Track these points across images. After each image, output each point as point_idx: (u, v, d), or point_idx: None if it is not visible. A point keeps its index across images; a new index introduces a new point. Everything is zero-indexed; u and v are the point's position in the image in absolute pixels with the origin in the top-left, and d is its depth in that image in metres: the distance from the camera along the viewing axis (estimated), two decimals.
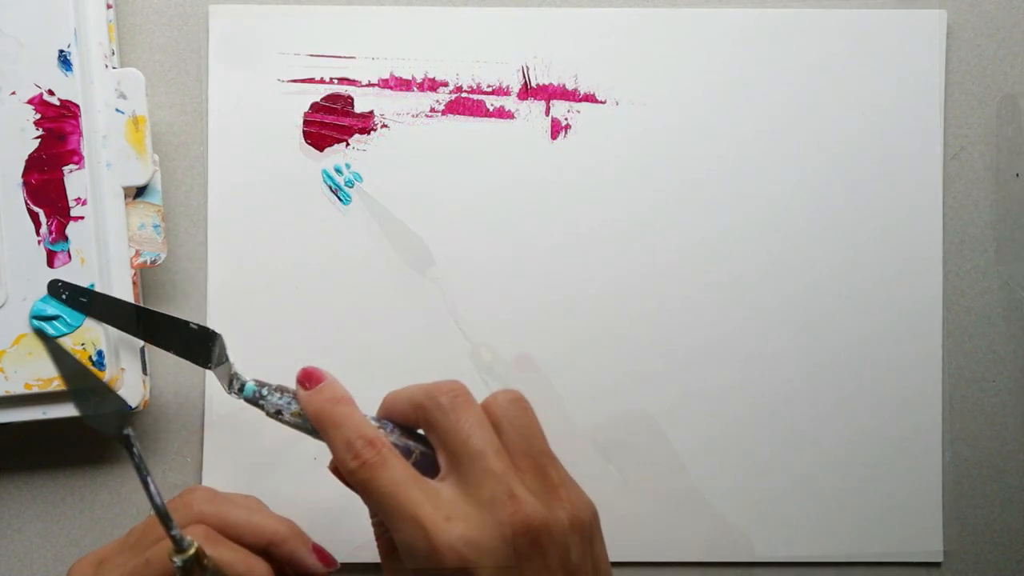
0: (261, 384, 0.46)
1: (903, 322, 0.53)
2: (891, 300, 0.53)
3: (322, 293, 0.53)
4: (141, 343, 0.50)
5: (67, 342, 0.48)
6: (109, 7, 0.50)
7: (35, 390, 0.48)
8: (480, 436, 0.41)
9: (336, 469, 0.43)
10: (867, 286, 0.53)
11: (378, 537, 0.44)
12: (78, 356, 0.48)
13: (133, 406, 0.50)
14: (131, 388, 0.50)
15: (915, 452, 0.53)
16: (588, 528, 0.41)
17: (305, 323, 0.53)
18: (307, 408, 0.44)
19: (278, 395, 0.45)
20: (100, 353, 0.48)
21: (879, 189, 0.53)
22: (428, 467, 0.42)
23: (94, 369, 0.48)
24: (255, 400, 0.46)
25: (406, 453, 0.43)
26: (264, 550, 0.46)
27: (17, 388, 0.48)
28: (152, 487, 0.41)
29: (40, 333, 0.47)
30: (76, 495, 0.53)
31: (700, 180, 0.53)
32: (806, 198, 0.53)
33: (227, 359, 0.47)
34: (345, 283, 0.53)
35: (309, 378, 0.44)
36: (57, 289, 0.48)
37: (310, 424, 0.44)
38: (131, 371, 0.50)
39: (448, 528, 0.39)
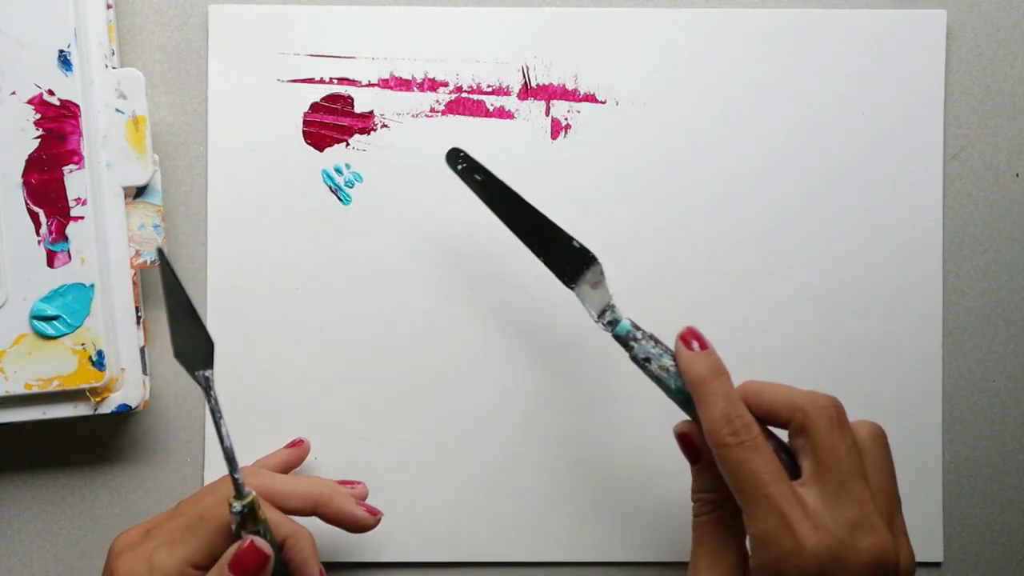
0: (636, 327, 0.46)
1: (903, 322, 0.53)
2: (891, 300, 0.53)
3: (322, 293, 0.53)
4: (141, 343, 0.50)
5: (67, 342, 0.48)
6: (109, 7, 0.50)
7: (35, 390, 0.48)
8: (855, 459, 0.42)
9: (683, 435, 0.45)
10: (867, 286, 0.53)
11: (700, 513, 0.45)
12: (78, 356, 0.48)
13: (133, 406, 0.50)
14: (131, 388, 0.50)
15: (915, 452, 0.53)
16: None
17: (305, 323, 0.53)
18: (689, 368, 0.44)
19: (651, 343, 0.45)
20: (100, 353, 0.48)
21: (879, 189, 0.53)
22: None
23: (94, 369, 0.48)
24: (626, 340, 0.46)
25: None
26: (312, 511, 0.47)
27: (17, 388, 0.48)
28: (223, 429, 0.42)
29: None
30: (76, 495, 0.53)
31: (700, 180, 0.53)
32: (806, 198, 0.53)
33: (604, 288, 0.47)
34: (345, 283, 0.53)
35: (695, 338, 0.45)
36: (457, 158, 0.48)
37: (675, 383, 0.45)
38: (131, 371, 0.50)
39: (816, 538, 0.40)
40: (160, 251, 0.41)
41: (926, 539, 0.53)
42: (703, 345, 0.44)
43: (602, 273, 0.47)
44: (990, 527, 0.54)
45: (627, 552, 0.53)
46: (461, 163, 0.48)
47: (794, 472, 0.42)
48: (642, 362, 0.45)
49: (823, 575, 0.39)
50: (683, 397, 0.45)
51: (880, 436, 0.44)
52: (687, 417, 0.45)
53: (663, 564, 0.53)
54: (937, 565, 0.53)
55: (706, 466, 0.44)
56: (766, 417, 0.43)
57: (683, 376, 0.44)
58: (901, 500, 0.43)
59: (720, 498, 0.44)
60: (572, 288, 0.47)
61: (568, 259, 0.47)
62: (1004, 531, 0.54)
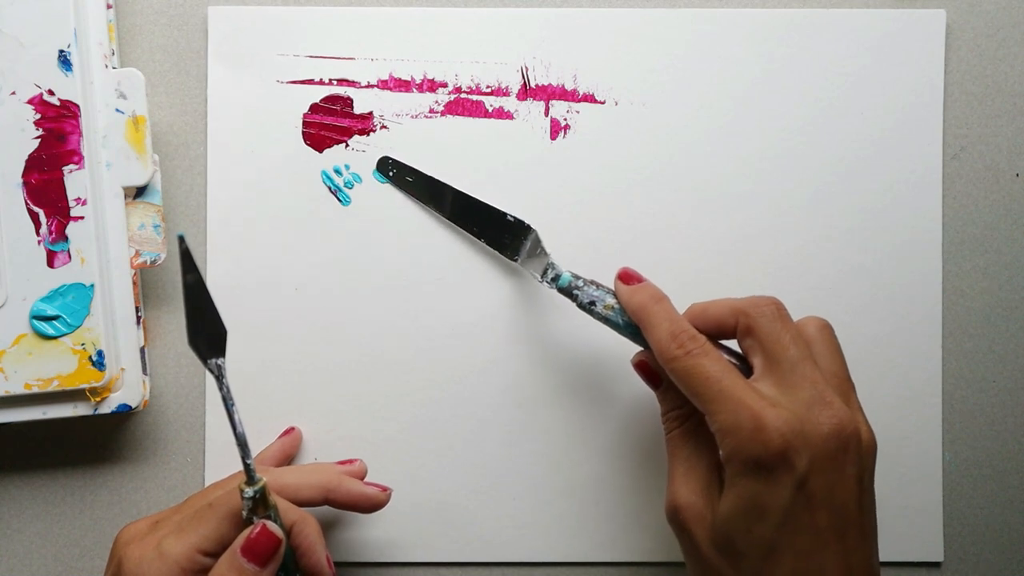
0: (577, 277, 0.49)
1: (903, 322, 0.53)
2: (891, 300, 0.53)
3: (321, 293, 0.53)
4: (141, 343, 0.50)
5: (67, 342, 0.48)
6: (109, 7, 0.50)
7: (35, 390, 0.48)
8: (800, 346, 0.44)
9: (640, 364, 0.48)
10: (867, 286, 0.53)
11: (670, 431, 0.47)
12: (78, 356, 0.48)
13: (133, 406, 0.50)
14: (131, 388, 0.50)
15: (915, 452, 0.53)
16: (874, 455, 0.44)
17: (305, 323, 0.53)
18: (629, 301, 0.47)
19: (593, 288, 0.49)
20: (100, 353, 0.49)
21: (879, 189, 0.53)
22: None
23: (94, 369, 0.48)
24: (569, 290, 0.49)
25: None
26: (324, 499, 0.48)
27: (17, 388, 0.48)
28: (236, 416, 0.43)
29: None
30: (76, 495, 0.53)
31: (700, 180, 0.53)
32: (806, 198, 0.53)
33: (543, 251, 0.51)
34: (345, 283, 0.53)
35: (630, 277, 0.48)
36: (387, 166, 0.52)
37: (621, 318, 0.48)
38: (131, 371, 0.50)
39: (776, 413, 0.42)
40: (181, 237, 0.41)
41: (926, 539, 0.53)
42: (639, 279, 0.48)
43: (539, 240, 0.51)
44: (990, 527, 0.54)
45: (627, 552, 0.53)
46: (391, 169, 0.52)
47: (748, 375, 0.45)
48: (588, 306, 0.48)
49: (787, 448, 0.41)
50: (632, 330, 0.48)
51: (826, 327, 0.46)
52: (641, 349, 0.48)
53: (663, 564, 0.53)
54: (937, 565, 0.53)
55: (667, 388, 0.47)
56: (715, 331, 0.46)
57: (626, 308, 0.47)
58: (854, 384, 0.45)
59: (685, 413, 0.46)
60: (515, 261, 0.51)
61: (507, 234, 0.51)
62: (1004, 531, 0.54)
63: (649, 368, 0.47)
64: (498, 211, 0.52)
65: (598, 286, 0.48)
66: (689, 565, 0.45)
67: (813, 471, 0.41)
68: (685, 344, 0.44)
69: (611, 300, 0.48)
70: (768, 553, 0.41)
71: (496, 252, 0.52)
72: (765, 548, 0.42)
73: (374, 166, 0.53)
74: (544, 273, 0.50)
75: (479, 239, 0.52)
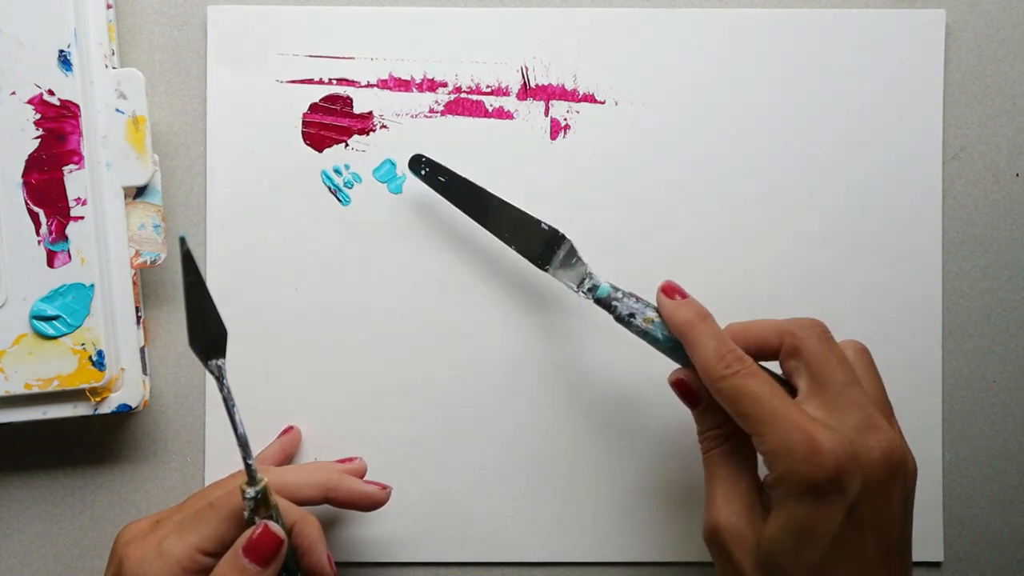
0: (616, 288, 0.48)
1: (903, 322, 0.53)
2: (891, 300, 0.53)
3: (321, 293, 0.53)
4: (141, 343, 0.50)
5: (67, 342, 0.48)
6: (109, 7, 0.50)
7: (35, 390, 0.48)
8: (847, 369, 0.44)
9: (678, 382, 0.46)
10: (867, 286, 0.53)
11: (708, 450, 0.46)
12: (78, 356, 0.48)
13: (133, 406, 0.50)
14: (131, 388, 0.50)
15: (915, 452, 0.53)
16: (915, 481, 0.43)
17: (305, 323, 0.53)
18: (674, 316, 0.46)
19: (633, 300, 0.47)
20: (100, 353, 0.49)
21: (879, 189, 0.53)
22: None
23: (94, 369, 0.48)
24: (608, 301, 0.48)
25: None
26: (324, 498, 0.48)
27: (17, 388, 0.48)
28: (237, 416, 0.43)
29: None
30: (76, 495, 0.53)
31: (699, 180, 0.53)
32: (806, 198, 0.53)
33: (579, 260, 0.49)
34: (344, 283, 0.53)
35: (673, 291, 0.47)
36: (420, 164, 0.51)
37: (661, 332, 0.47)
38: (131, 371, 0.50)
39: (830, 436, 0.41)
40: (182, 239, 0.41)
41: (926, 539, 0.53)
42: (684, 295, 0.47)
43: (574, 249, 0.49)
44: (990, 527, 0.54)
45: (627, 552, 0.53)
46: (424, 168, 0.51)
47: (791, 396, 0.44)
48: (627, 319, 0.47)
49: (841, 472, 0.40)
50: (671, 345, 0.46)
51: (864, 351, 0.46)
52: (678, 367, 0.47)
53: (663, 564, 0.53)
54: (937, 565, 0.53)
55: (706, 407, 0.46)
56: (755, 351, 0.45)
57: (669, 324, 0.46)
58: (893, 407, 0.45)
59: (726, 432, 0.45)
60: (546, 270, 0.49)
61: (540, 242, 0.50)
62: (1004, 531, 0.54)
63: (688, 386, 0.46)
64: (532, 217, 0.50)
65: (637, 299, 0.47)
66: None
67: (864, 496, 0.41)
68: (732, 364, 0.43)
69: (652, 314, 0.47)
70: None
71: (525, 260, 0.50)
72: (813, 572, 0.41)
73: (374, 166, 0.53)
74: (581, 283, 0.49)
75: (510, 245, 0.50)
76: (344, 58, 0.53)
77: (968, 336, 0.54)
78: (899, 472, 0.42)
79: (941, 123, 0.53)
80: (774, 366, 0.46)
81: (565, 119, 0.53)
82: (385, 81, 0.53)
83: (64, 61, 0.48)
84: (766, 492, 0.43)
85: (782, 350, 0.45)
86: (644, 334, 0.47)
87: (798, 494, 0.41)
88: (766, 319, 0.46)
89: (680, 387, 0.46)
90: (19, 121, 0.48)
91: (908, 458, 0.43)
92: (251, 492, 0.42)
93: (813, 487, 0.40)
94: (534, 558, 0.53)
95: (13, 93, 0.48)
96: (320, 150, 0.53)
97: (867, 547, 0.41)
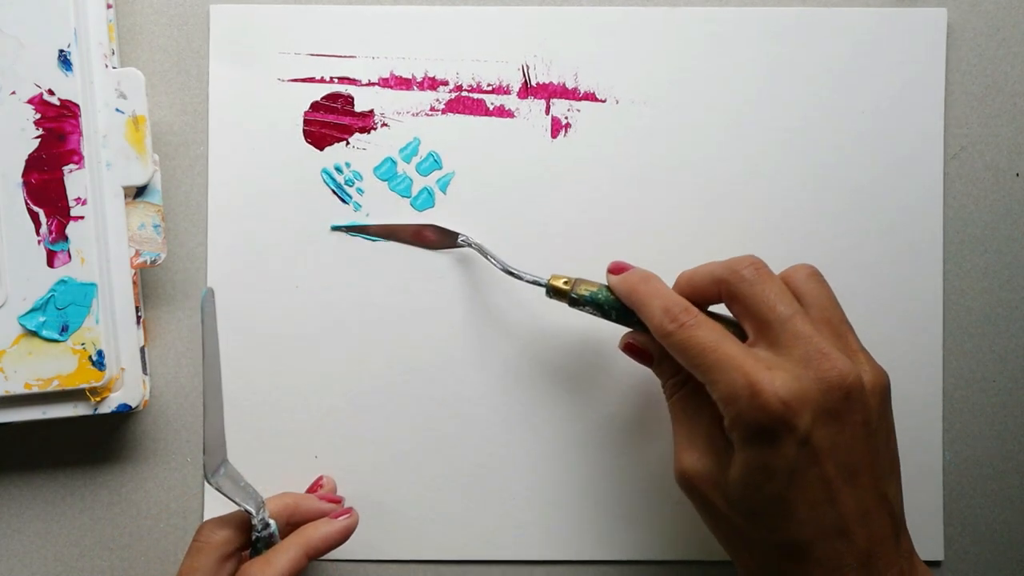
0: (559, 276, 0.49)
1: (903, 322, 0.53)
2: (891, 300, 0.53)
3: (321, 292, 0.53)
4: (141, 343, 0.50)
5: (67, 342, 0.48)
6: (109, 7, 0.50)
7: (35, 390, 0.48)
8: (786, 302, 0.44)
9: (628, 345, 0.48)
10: (867, 286, 0.53)
11: (671, 396, 0.47)
12: (78, 356, 0.48)
13: (133, 406, 0.50)
14: (131, 388, 0.50)
15: (915, 452, 0.53)
16: (885, 393, 0.44)
17: (305, 323, 0.53)
18: (621, 285, 0.47)
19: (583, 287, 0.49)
20: (100, 353, 0.48)
21: (879, 189, 0.53)
22: None
23: (94, 369, 0.48)
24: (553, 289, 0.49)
25: None
26: (288, 524, 0.49)
27: (17, 388, 0.48)
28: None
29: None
30: (76, 495, 0.53)
31: (700, 179, 0.53)
32: (806, 197, 0.53)
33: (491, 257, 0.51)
34: (344, 282, 0.53)
35: (619, 268, 0.48)
36: (340, 230, 0.53)
37: (612, 306, 0.48)
38: (131, 371, 0.50)
39: (772, 377, 0.41)
40: (206, 295, 0.43)
41: (926, 539, 0.53)
42: (626, 267, 0.48)
43: (484, 249, 0.51)
44: (990, 527, 0.54)
45: (627, 550, 0.53)
46: (352, 233, 0.53)
47: (744, 340, 0.44)
48: (579, 302, 0.48)
49: (786, 412, 0.41)
50: (624, 313, 0.47)
51: (814, 273, 0.46)
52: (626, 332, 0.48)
53: (663, 563, 0.53)
54: (937, 565, 0.53)
55: (661, 360, 0.47)
56: (701, 301, 0.46)
57: (618, 294, 0.47)
58: (851, 325, 0.45)
59: (683, 379, 0.47)
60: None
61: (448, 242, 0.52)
62: (1004, 531, 0.54)
63: (637, 347, 0.47)
64: (442, 228, 0.52)
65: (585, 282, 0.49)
66: (706, 522, 0.45)
67: (815, 427, 0.41)
68: (678, 317, 0.44)
69: (603, 295, 0.48)
70: (782, 508, 0.42)
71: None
72: (778, 504, 0.42)
73: (375, 164, 0.53)
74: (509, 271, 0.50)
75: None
76: (345, 57, 0.53)
77: (968, 336, 0.54)
78: (853, 394, 0.42)
79: (942, 122, 0.53)
80: None
81: (566, 118, 0.53)
82: (386, 79, 0.53)
83: (64, 61, 0.48)
84: (727, 435, 0.44)
85: (723, 298, 0.45)
86: (598, 309, 0.48)
87: (749, 437, 0.42)
88: (706, 265, 0.46)
89: (630, 350, 0.48)
90: (19, 121, 0.48)
91: (864, 377, 0.43)
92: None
93: (761, 429, 0.41)
94: (534, 557, 0.53)
95: (13, 93, 0.48)
96: (321, 148, 0.53)
97: (828, 472, 0.41)
